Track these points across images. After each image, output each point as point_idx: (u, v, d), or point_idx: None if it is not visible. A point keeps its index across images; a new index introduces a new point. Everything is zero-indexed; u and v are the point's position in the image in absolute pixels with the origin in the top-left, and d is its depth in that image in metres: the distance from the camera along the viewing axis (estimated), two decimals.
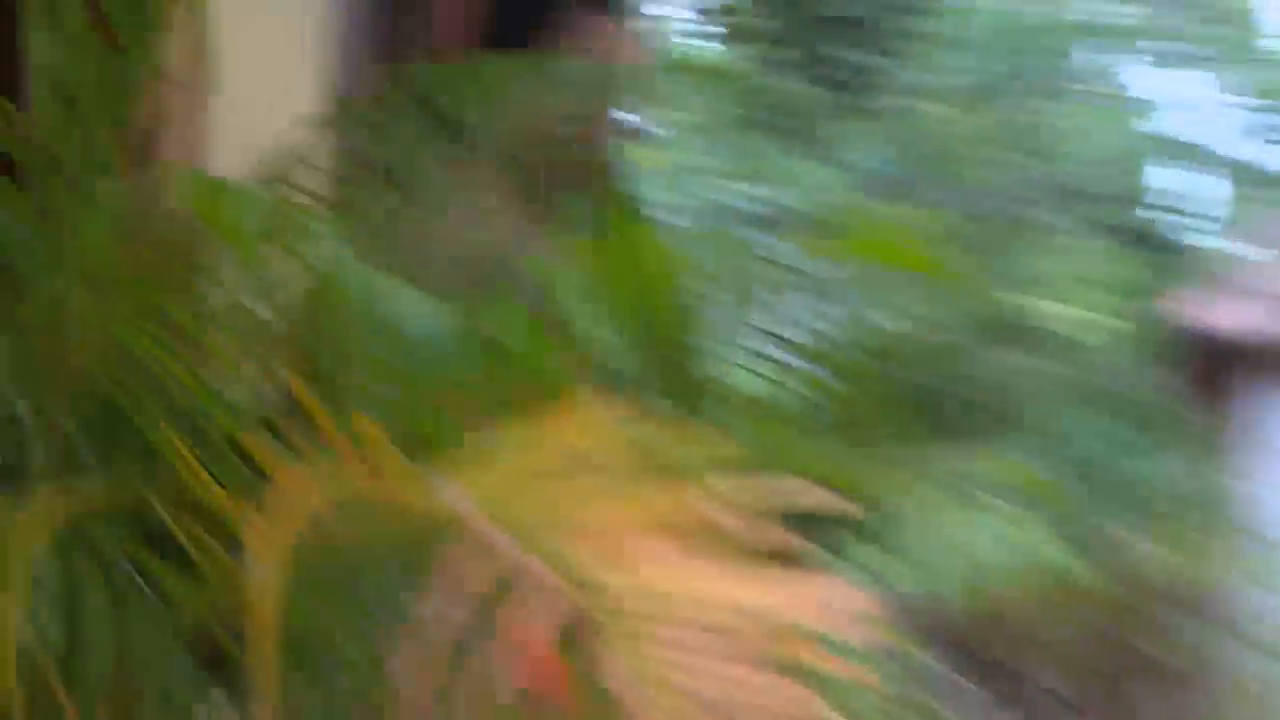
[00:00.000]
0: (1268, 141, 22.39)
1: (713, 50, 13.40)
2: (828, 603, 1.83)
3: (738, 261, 3.87)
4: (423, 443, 2.38)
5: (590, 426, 2.08)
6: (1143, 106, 22.18)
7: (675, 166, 18.90)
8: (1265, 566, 12.92)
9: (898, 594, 4.54)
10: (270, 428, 2.66)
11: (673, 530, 1.85)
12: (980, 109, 19.79)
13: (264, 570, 2.15)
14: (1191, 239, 22.28)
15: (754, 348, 4.19)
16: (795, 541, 2.02)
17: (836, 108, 9.82)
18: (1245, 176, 22.50)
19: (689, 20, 14.21)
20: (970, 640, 4.82)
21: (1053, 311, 19.90)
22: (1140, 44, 22.00)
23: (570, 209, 4.00)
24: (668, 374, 3.40)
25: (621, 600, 1.78)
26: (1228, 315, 13.78)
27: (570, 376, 3.30)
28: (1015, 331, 4.63)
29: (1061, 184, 20.51)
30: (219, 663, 2.82)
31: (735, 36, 10.33)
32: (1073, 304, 21.92)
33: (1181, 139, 22.20)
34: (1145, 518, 19.15)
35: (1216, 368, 14.64)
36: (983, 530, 2.53)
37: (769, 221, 17.19)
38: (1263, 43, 22.33)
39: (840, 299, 4.17)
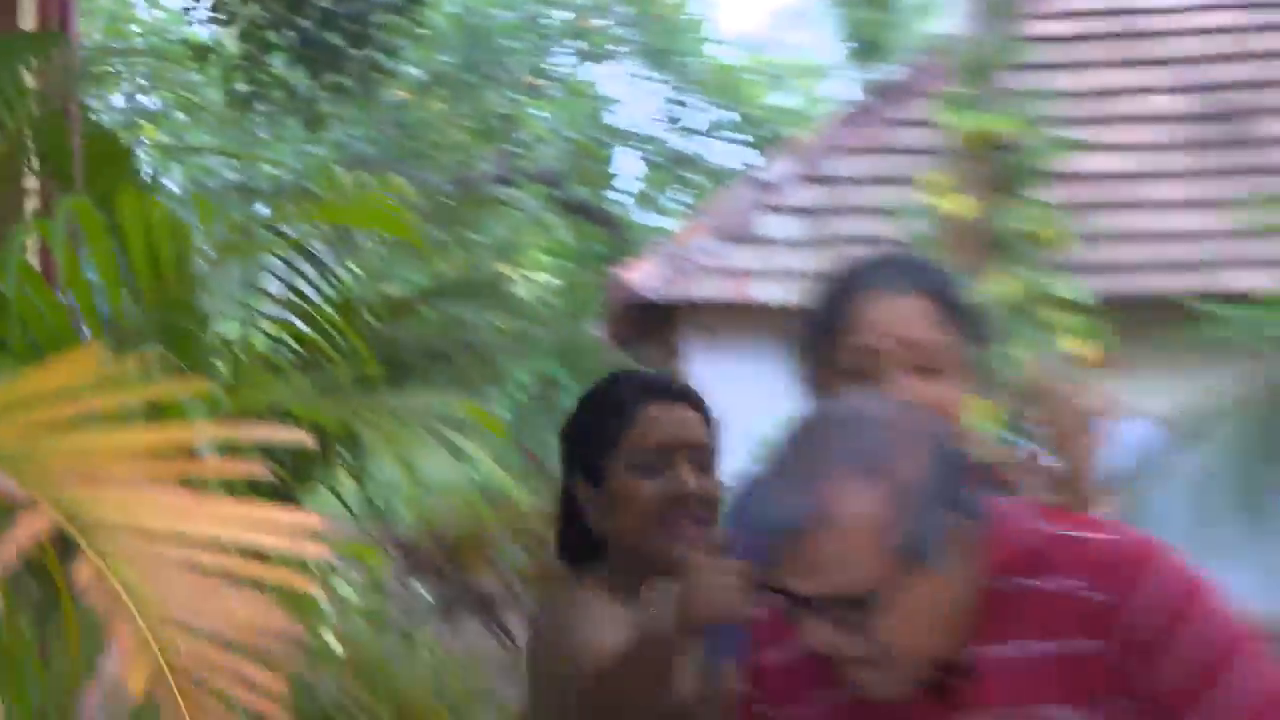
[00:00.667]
0: (695, 132, 22.97)
1: (207, 32, 13.17)
2: (296, 525, 1.81)
3: (234, 228, 3.81)
4: None
5: (90, 375, 2.02)
6: (599, 99, 22.58)
7: (176, 143, 18.63)
8: None
9: (369, 517, 4.53)
10: None
11: (158, 465, 1.82)
12: (458, 98, 19.90)
13: None
14: (633, 214, 22.77)
15: (249, 304, 4.14)
16: (271, 472, 2.00)
17: (326, 91, 9.80)
18: (679, 161, 23.04)
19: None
20: (431, 552, 4.84)
21: (516, 275, 20.12)
22: (597, 43, 22.36)
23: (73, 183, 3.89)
24: (170, 329, 3.34)
25: (100, 521, 1.74)
26: (660, 279, 14.09)
27: (72, 331, 3.24)
28: (483, 290, 4.68)
29: (526, 166, 20.74)
30: None
31: (228, 20, 10.14)
32: (533, 269, 22.20)
33: (627, 128, 22.63)
34: None
35: (653, 325, 14.97)
36: (441, 459, 2.55)
37: (263, 193, 17.06)
38: (702, 45, 22.89)
39: (326, 261, 4.15)
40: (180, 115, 18.69)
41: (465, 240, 17.68)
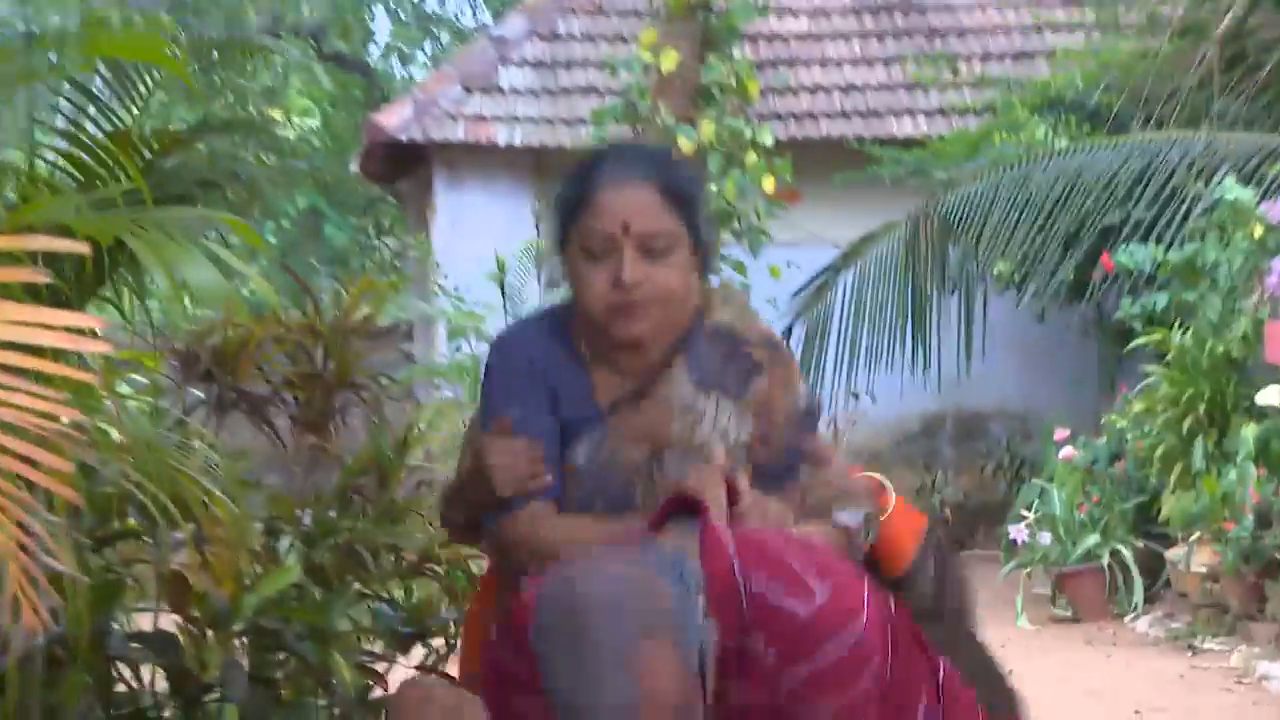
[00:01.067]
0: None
1: None
2: (75, 326, 1.79)
3: (8, 57, 3.68)
4: None
5: None
6: None
7: None
8: (443, 312, 13.19)
9: (147, 326, 4.47)
10: None
11: None
12: None
13: None
14: (385, 64, 22.43)
15: (33, 135, 4.03)
16: (53, 282, 1.97)
17: None
18: (427, 18, 22.70)
19: None
20: (204, 358, 4.77)
21: (281, 118, 19.74)
22: None
23: None
24: None
25: None
26: (410, 123, 13.95)
27: None
28: (249, 128, 4.60)
29: (290, 20, 20.27)
30: None
31: None
32: (297, 113, 21.79)
33: None
34: (338, 267, 19.31)
35: (405, 164, 14.86)
36: (210, 272, 2.51)
37: (45, 35, 16.47)
38: None
39: (103, 97, 4.05)
40: None
41: (235, 85, 17.30)
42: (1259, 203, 9.07)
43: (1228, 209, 9.37)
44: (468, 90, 14.18)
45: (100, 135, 3.78)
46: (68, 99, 4.05)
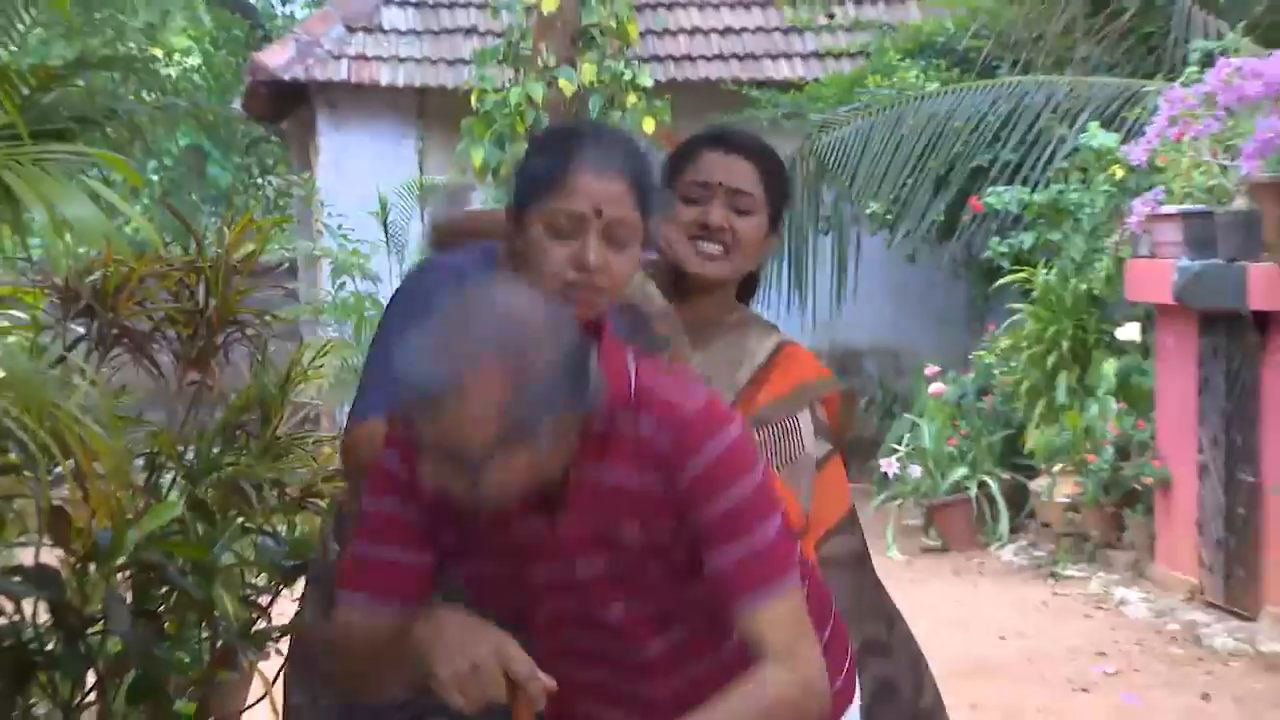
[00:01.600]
0: None
1: None
2: None
3: None
4: None
5: None
6: None
7: None
8: (327, 250, 13.07)
9: (27, 259, 4.40)
10: None
11: None
12: None
13: None
14: (265, 3, 22.11)
15: None
16: None
17: None
18: None
19: None
20: (86, 294, 4.69)
21: (163, 55, 19.41)
22: None
23: None
24: None
25: None
26: (293, 62, 13.79)
27: None
28: (129, 65, 4.53)
29: None
30: None
31: None
32: (177, 49, 21.46)
33: None
34: (221, 205, 19.10)
35: (287, 103, 14.70)
36: (89, 208, 2.47)
37: None
38: None
39: None
40: None
41: (114, 22, 16.98)
42: (1120, 145, 9.18)
43: (1090, 152, 9.48)
44: (350, 30, 14.02)
45: None
46: None
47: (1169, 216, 8.18)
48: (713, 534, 2.35)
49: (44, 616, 4.65)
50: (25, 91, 3.73)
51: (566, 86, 11.43)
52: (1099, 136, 9.40)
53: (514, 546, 2.41)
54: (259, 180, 21.19)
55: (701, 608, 2.45)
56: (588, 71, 11.53)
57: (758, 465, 2.41)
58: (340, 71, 13.77)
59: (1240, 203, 7.83)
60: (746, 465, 2.38)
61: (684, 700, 2.40)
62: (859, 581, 3.54)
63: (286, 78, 13.75)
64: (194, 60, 21.86)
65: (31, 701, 4.71)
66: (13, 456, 4.38)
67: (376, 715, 2.81)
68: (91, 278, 4.75)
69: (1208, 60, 8.83)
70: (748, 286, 3.29)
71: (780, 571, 2.36)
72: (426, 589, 2.44)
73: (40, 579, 4.54)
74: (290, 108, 14.95)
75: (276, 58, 13.94)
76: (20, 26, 4.01)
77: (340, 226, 12.24)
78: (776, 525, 2.38)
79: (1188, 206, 8.08)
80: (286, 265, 14.41)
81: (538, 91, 11.46)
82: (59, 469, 4.24)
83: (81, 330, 4.81)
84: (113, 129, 4.21)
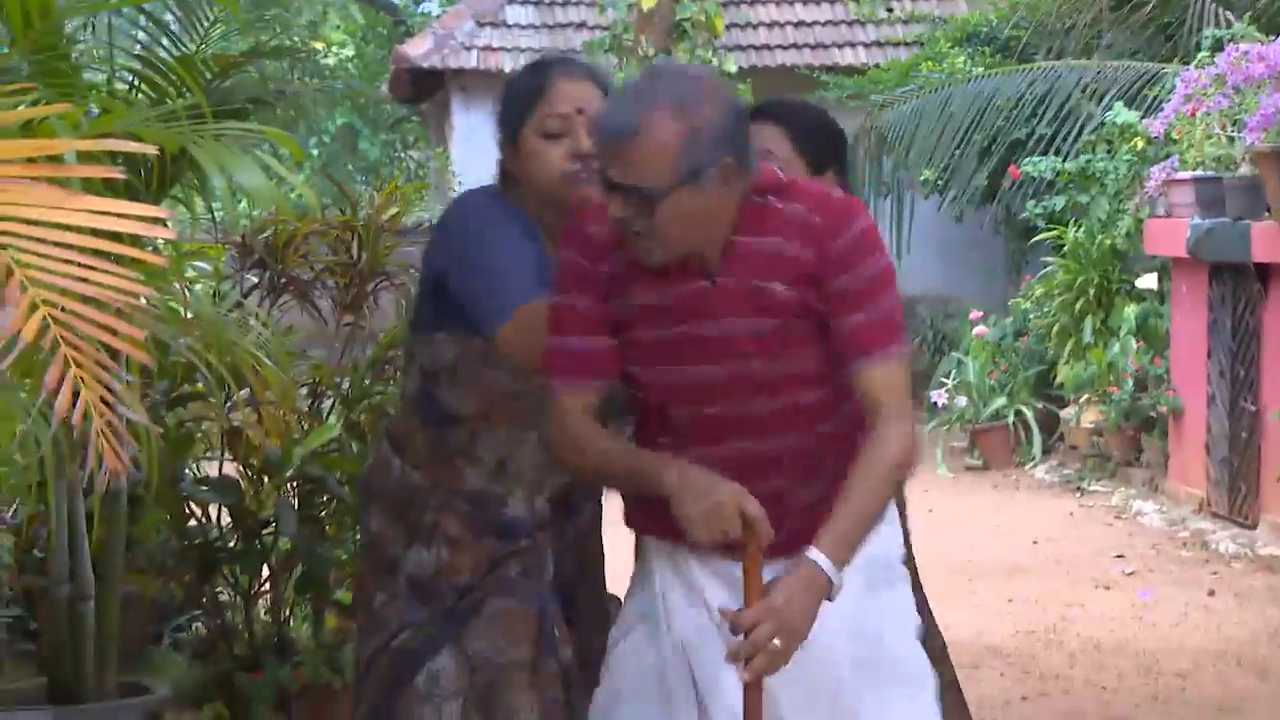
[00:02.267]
0: None
1: None
2: (145, 215, 1.77)
3: None
4: None
5: None
6: None
7: None
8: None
9: (211, 220, 4.45)
10: None
11: (32, 168, 1.76)
12: None
13: None
14: (408, 2, 22.12)
15: (113, 59, 3.98)
16: (127, 179, 1.96)
17: None
18: None
19: None
20: (258, 249, 4.75)
21: (322, 47, 19.48)
22: None
23: None
24: (47, 72, 3.18)
25: None
26: (431, 53, 13.81)
27: None
28: (295, 54, 4.56)
29: None
30: None
31: None
32: (334, 42, 21.55)
33: None
34: (370, 175, 19.20)
35: (426, 88, 14.73)
36: (260, 177, 2.48)
37: None
38: None
39: (170, 26, 4.01)
40: None
41: (282, 20, 17.05)
42: (1141, 120, 9.05)
43: (1115, 127, 9.36)
44: (479, 24, 14.02)
45: (169, 59, 3.74)
46: (142, 29, 4.01)
47: (1183, 181, 8.07)
48: (849, 297, 2.40)
49: (226, 520, 4.75)
50: (208, 77, 3.76)
51: None
52: (1122, 113, 9.27)
53: (675, 307, 2.44)
54: (402, 154, 21.25)
55: (827, 372, 2.47)
56: (681, 59, 11.45)
57: (882, 248, 2.46)
58: (471, 60, 13.78)
59: (1245, 169, 7.71)
60: (878, 244, 2.45)
61: (810, 458, 2.47)
62: None
63: (425, 66, 13.78)
64: (348, 52, 21.93)
65: (217, 590, 4.81)
66: (199, 386, 4.46)
67: (439, 600, 2.78)
68: (264, 235, 4.82)
69: (1218, 46, 8.66)
70: None
71: (897, 337, 2.43)
72: (615, 368, 2.49)
73: (223, 488, 4.63)
74: (429, 91, 14.98)
75: (417, 49, 13.98)
76: (204, 23, 4.04)
77: None
78: (896, 298, 2.44)
79: (1199, 173, 7.97)
80: (426, 225, 14.47)
81: None
82: (236, 397, 4.31)
83: (255, 280, 4.88)
84: (280, 109, 4.23)
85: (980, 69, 11.50)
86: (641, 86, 2.35)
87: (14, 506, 4.52)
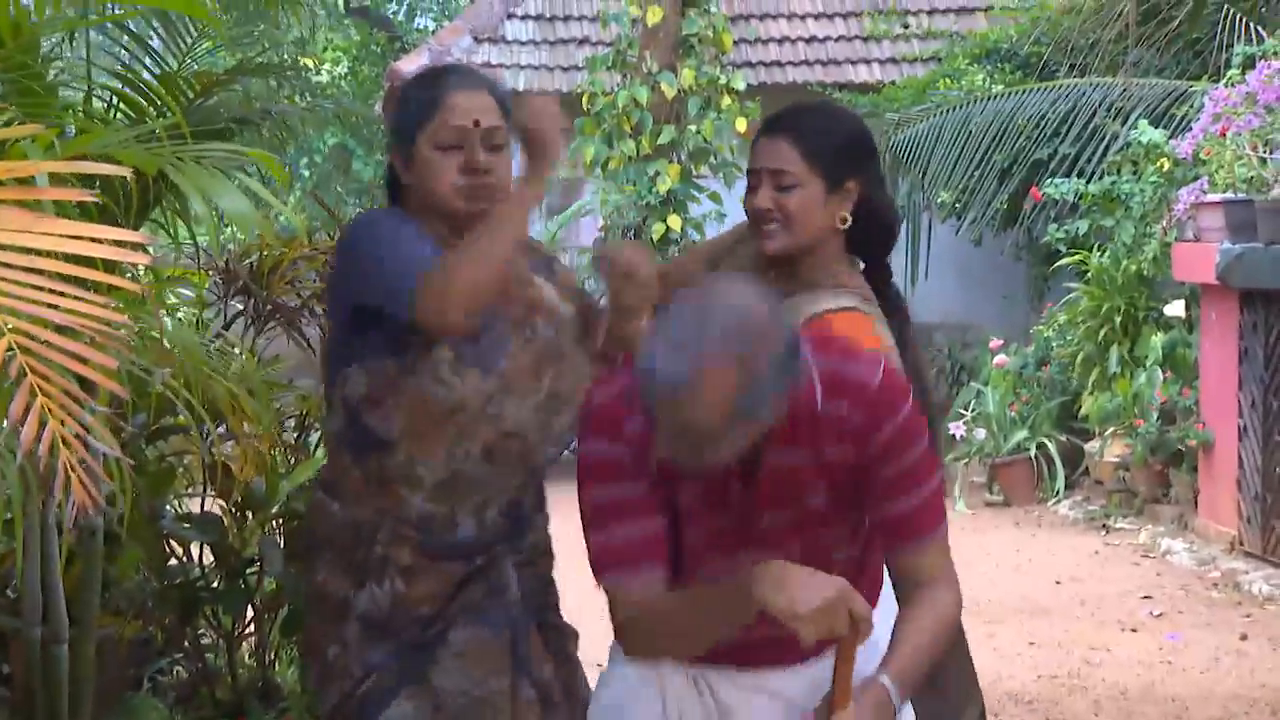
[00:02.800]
0: None
1: None
2: (120, 239, 1.77)
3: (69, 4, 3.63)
4: None
5: None
6: None
7: None
8: None
9: (193, 245, 4.44)
10: None
11: (5, 190, 1.75)
12: None
13: None
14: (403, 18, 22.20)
15: (90, 77, 3.99)
16: (102, 203, 1.94)
17: None
18: None
19: None
20: (242, 275, 4.74)
21: (314, 65, 19.54)
22: None
23: None
24: (21, 91, 3.18)
25: None
26: (418, 67, 13.82)
27: None
28: (282, 71, 4.55)
29: None
30: None
31: None
32: (328, 60, 21.61)
33: None
34: (364, 197, 19.19)
35: None
36: (243, 201, 2.48)
37: None
38: None
39: (152, 43, 4.01)
40: None
41: (271, 36, 17.08)
42: (1168, 140, 9.04)
43: (1140, 147, 9.34)
44: (477, 40, 14.05)
45: (149, 78, 3.74)
46: (123, 46, 4.02)
47: (1212, 204, 8.05)
48: (891, 488, 2.45)
49: (208, 558, 4.72)
50: (190, 96, 3.76)
51: (668, 90, 11.38)
52: (1148, 133, 9.26)
53: (715, 503, 2.46)
54: None
55: (854, 541, 2.55)
56: (687, 76, 11.46)
57: (925, 429, 2.49)
58: None
59: (1278, 191, 7.69)
60: (920, 430, 2.48)
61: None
62: None
63: None
64: (341, 69, 22.00)
65: (199, 632, 4.79)
66: (180, 419, 4.44)
67: (398, 635, 2.79)
68: (248, 261, 4.81)
69: (1249, 63, 8.66)
70: (878, 239, 3.14)
71: (943, 517, 2.51)
72: (666, 552, 2.47)
73: (205, 525, 4.61)
74: None
75: (412, 66, 13.99)
76: (187, 40, 4.05)
77: None
78: (939, 479, 2.50)
79: (1229, 195, 7.95)
80: None
81: (642, 94, 11.41)
82: (222, 429, 4.30)
83: (240, 307, 4.87)
84: (268, 129, 4.23)
85: (1000, 86, 11.50)
86: (691, 331, 2.28)
87: None
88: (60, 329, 1.76)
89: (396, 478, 2.80)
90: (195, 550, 4.76)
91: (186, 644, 4.78)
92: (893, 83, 13.05)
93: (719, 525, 2.49)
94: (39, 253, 1.74)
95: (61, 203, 1.90)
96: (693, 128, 11.42)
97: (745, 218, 3.06)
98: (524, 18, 14.32)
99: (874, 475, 2.44)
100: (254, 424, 3.82)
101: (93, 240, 1.71)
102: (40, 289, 1.70)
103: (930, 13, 14.57)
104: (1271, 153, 7.72)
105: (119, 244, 1.74)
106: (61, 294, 1.74)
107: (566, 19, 14.43)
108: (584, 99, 11.81)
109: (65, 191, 1.81)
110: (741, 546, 2.48)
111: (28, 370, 1.65)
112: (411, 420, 2.78)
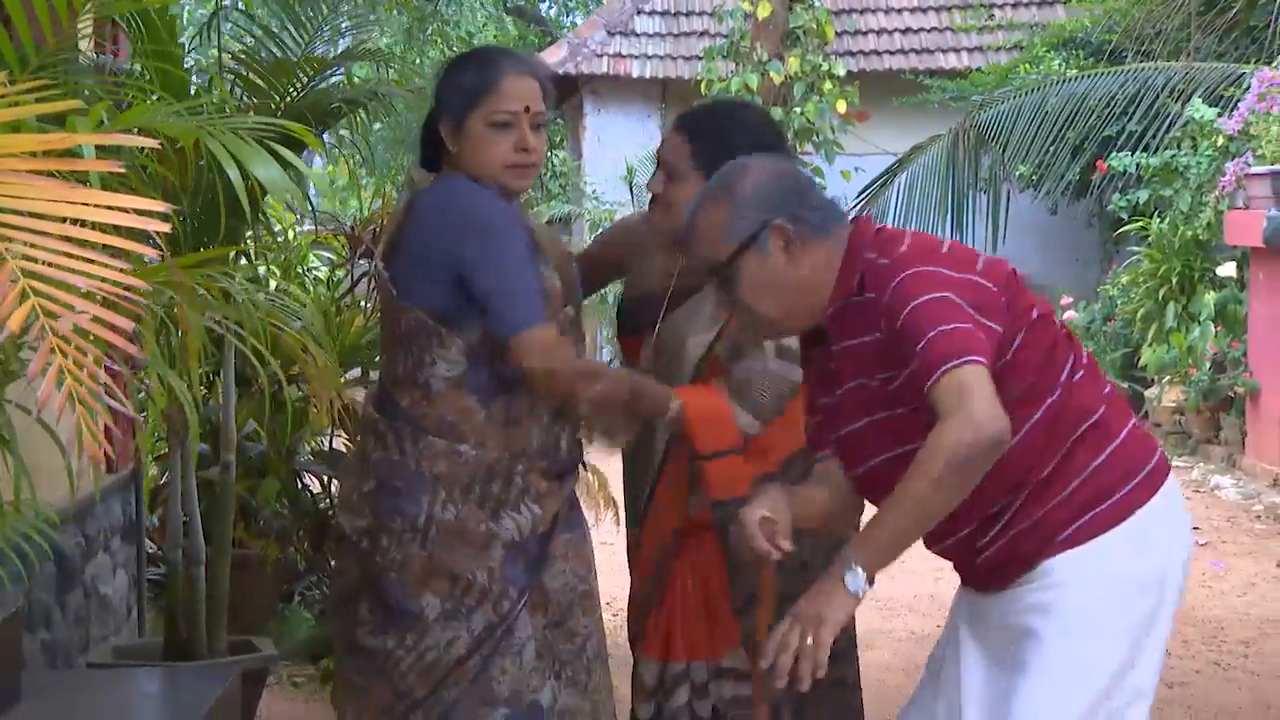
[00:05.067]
0: None
1: None
2: (143, 209, 1.62)
3: None
4: None
5: None
6: None
7: None
8: (586, 210, 12.95)
9: (326, 214, 4.33)
10: None
11: (45, 162, 1.62)
12: None
13: None
14: (553, 14, 22.03)
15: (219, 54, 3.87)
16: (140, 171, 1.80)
17: None
18: None
19: None
20: (364, 239, 4.63)
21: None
22: None
23: None
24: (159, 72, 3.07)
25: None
26: (567, 59, 13.67)
27: None
28: (389, 57, 4.44)
29: None
30: None
31: None
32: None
33: None
34: None
35: (562, 92, 14.61)
36: (276, 170, 2.34)
37: None
38: None
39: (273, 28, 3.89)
40: None
41: (443, 33, 17.00)
42: (1219, 117, 8.67)
43: (1196, 124, 8.98)
44: (610, 34, 13.87)
45: (267, 63, 3.63)
46: (243, 27, 3.93)
47: (1260, 175, 7.70)
48: (905, 342, 2.19)
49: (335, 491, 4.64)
50: (304, 79, 3.63)
51: (776, 76, 11.09)
52: (1200, 109, 8.88)
53: (818, 374, 2.40)
54: (548, 154, 21.22)
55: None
56: (793, 64, 11.16)
57: (930, 290, 2.21)
58: (601, 67, 13.64)
59: None
60: (918, 287, 2.21)
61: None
62: None
63: (560, 72, 13.66)
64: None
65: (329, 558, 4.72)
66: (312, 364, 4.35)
67: (528, 551, 2.72)
68: (371, 227, 4.70)
69: None
70: None
71: (944, 359, 2.14)
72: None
73: (333, 461, 4.53)
74: (565, 96, 14.86)
75: (553, 56, 13.85)
76: (309, 30, 3.90)
77: (593, 191, 12.15)
78: (937, 320, 2.18)
79: (1275, 167, 7.57)
80: (557, 220, 14.38)
81: (753, 80, 11.14)
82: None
83: (365, 268, 4.76)
84: (371, 109, 4.03)
85: (1074, 71, 11.10)
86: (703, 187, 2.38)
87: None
88: (78, 291, 1.60)
89: (523, 415, 2.70)
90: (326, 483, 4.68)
91: (322, 565, 4.72)
92: (978, 69, 12.66)
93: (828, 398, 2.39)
94: (81, 223, 1.62)
95: (107, 175, 1.77)
96: (798, 110, 11.12)
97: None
98: (651, 13, 14.10)
99: (895, 335, 2.22)
100: (319, 372, 3.71)
101: (111, 209, 1.57)
102: (71, 255, 1.56)
103: (1014, 5, 14.10)
104: None
105: (140, 213, 1.59)
106: (91, 261, 1.60)
107: (689, 14, 14.18)
108: (702, 85, 11.59)
109: (93, 163, 1.68)
110: (846, 418, 2.36)
111: (50, 330, 1.52)
112: None
